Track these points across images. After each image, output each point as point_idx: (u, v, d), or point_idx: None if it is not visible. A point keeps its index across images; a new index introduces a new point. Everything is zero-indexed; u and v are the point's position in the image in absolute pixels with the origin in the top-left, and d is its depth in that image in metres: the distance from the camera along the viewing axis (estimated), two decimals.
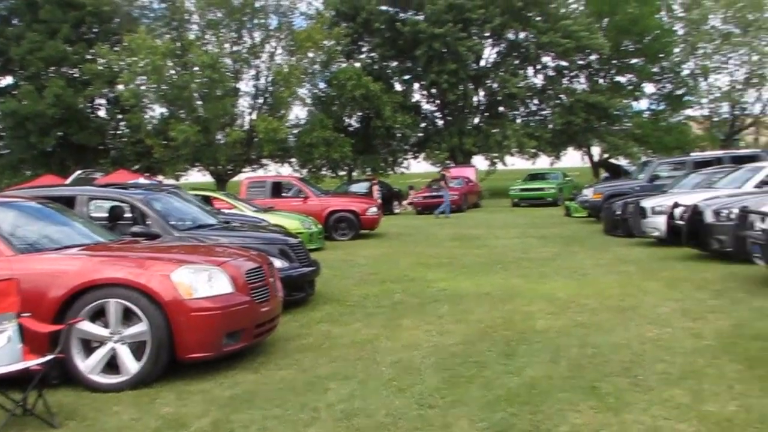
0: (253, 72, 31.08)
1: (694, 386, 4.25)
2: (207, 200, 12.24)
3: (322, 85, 33.08)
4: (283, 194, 17.00)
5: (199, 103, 28.49)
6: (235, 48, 30.50)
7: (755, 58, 36.64)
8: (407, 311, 6.89)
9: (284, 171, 32.40)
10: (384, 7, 34.16)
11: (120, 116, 31.75)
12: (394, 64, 35.96)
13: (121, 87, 28.79)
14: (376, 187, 25.34)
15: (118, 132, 33.11)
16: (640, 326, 5.84)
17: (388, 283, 8.62)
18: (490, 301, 7.30)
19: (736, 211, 8.77)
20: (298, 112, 37.27)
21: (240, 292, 4.83)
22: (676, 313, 6.35)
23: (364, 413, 3.87)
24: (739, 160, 16.52)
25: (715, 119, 39.28)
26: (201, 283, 4.65)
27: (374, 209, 15.81)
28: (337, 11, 33.07)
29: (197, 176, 34.29)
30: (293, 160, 32.84)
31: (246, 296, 4.88)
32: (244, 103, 31.47)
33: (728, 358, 4.83)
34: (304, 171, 31.93)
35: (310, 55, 30.61)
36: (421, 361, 4.98)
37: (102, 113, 33.04)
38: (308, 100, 33.17)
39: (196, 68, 27.44)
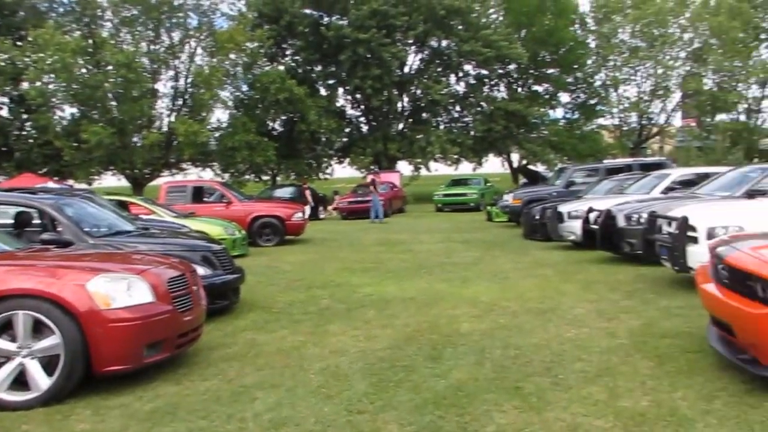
0: (171, 73, 30.32)
1: (609, 383, 4.42)
2: (123, 205, 11.78)
3: (244, 88, 32.62)
4: (205, 199, 16.60)
5: (114, 103, 27.40)
6: (152, 47, 29.56)
7: (660, 71, 38.32)
8: (334, 317, 6.87)
9: (206, 175, 31.69)
10: (308, 11, 34.08)
11: (25, 116, 29.65)
12: (319, 68, 35.90)
13: (26, 85, 27.22)
14: (308, 192, 25.26)
15: (23, 133, 30.73)
16: (559, 327, 6.05)
17: (315, 289, 8.58)
18: (415, 305, 7.37)
19: (645, 215, 9.09)
20: (219, 115, 36.70)
21: (161, 302, 4.68)
22: (591, 313, 6.60)
23: (292, 422, 3.84)
24: (647, 168, 17.29)
25: (625, 128, 40.92)
26: (119, 292, 4.47)
27: (300, 214, 15.67)
28: (260, 13, 32.69)
29: (111, 180, 32.92)
30: (215, 164, 32.12)
31: (168, 305, 4.72)
32: (162, 104, 30.62)
33: (640, 355, 5.05)
34: (227, 175, 31.32)
35: (232, 56, 30.09)
36: (349, 367, 4.99)
37: (4, 113, 30.85)
38: (230, 103, 32.62)
39: (110, 67, 26.42)
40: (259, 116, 31.53)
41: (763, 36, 36.96)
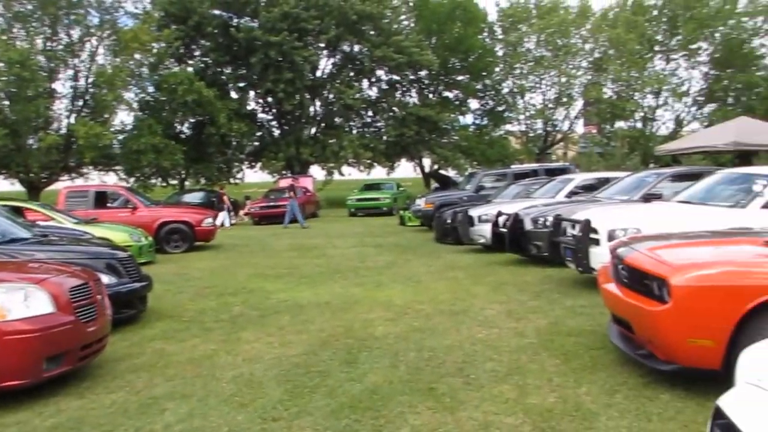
0: (71, 72, 28.75)
1: (519, 381, 4.57)
2: (18, 211, 11.11)
3: (150, 89, 31.34)
4: (109, 205, 15.89)
5: (6, 103, 25.68)
6: (49, 45, 27.96)
7: (564, 79, 39.50)
8: (247, 324, 6.77)
9: (109, 180, 30.32)
10: (217, 12, 33.26)
11: None
12: (229, 70, 35.02)
13: None
14: (226, 197, 24.74)
15: None
16: (471, 328, 6.18)
17: (226, 296, 8.42)
18: (330, 310, 7.37)
19: (550, 219, 9.40)
20: (124, 117, 35.12)
21: (62, 312, 4.47)
22: (501, 314, 6.77)
23: None
24: (552, 173, 17.91)
25: (531, 134, 41.87)
26: (16, 303, 4.24)
27: (210, 220, 15.29)
28: (167, 12, 31.59)
29: (4, 185, 30.99)
30: (119, 168, 30.77)
31: (70, 316, 4.52)
32: (61, 105, 28.94)
33: (547, 353, 5.24)
34: (132, 180, 30.07)
35: (137, 56, 28.95)
36: (263, 374, 4.94)
37: None
38: (135, 105, 31.24)
39: (1, 65, 24.82)
40: (166, 118, 30.40)
41: (656, 48, 39.11)
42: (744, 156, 17.03)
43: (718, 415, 2.34)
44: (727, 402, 2.36)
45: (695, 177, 9.55)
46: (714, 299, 4.04)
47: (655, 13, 39.14)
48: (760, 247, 4.66)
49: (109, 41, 28.79)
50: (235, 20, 33.81)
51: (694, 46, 38.56)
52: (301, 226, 21.28)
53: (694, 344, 4.09)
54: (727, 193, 7.97)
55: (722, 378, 3.58)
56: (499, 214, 11.85)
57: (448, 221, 14.58)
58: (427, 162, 41.53)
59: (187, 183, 33.18)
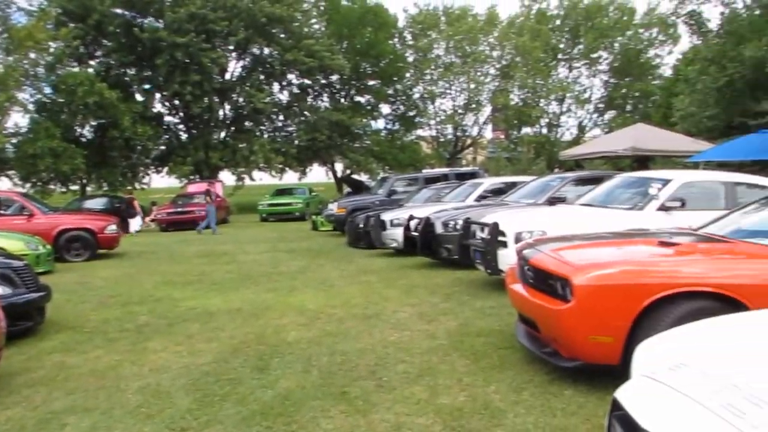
0: None
1: (430, 382, 4.66)
2: None
3: (47, 90, 29.74)
4: (2, 212, 14.94)
5: None
6: None
7: (473, 86, 40.25)
8: (154, 333, 6.58)
9: (2, 185, 28.48)
10: (119, 10, 31.97)
11: None
12: (133, 71, 33.71)
13: None
14: (136, 202, 23.95)
15: None
16: (383, 331, 6.25)
17: (132, 305, 8.12)
18: (241, 316, 7.29)
19: (460, 222, 9.51)
20: (18, 119, 33.08)
21: None
22: (413, 317, 6.88)
23: None
24: (462, 177, 18.18)
25: (442, 139, 42.60)
26: None
27: (113, 227, 14.65)
28: (64, 10, 30.05)
29: None
30: (13, 172, 29.00)
31: None
32: None
33: (457, 354, 5.36)
34: (28, 185, 28.38)
35: (32, 55, 27.39)
36: (171, 384, 4.84)
37: None
38: (31, 106, 29.55)
39: None
40: (65, 121, 28.87)
41: (560, 56, 40.59)
42: (641, 161, 17.61)
43: (616, 407, 2.42)
44: (623, 394, 2.44)
45: (596, 181, 9.78)
46: (613, 298, 4.17)
47: (558, 22, 40.52)
48: (656, 247, 4.88)
49: (0, 39, 27.11)
50: (139, 20, 32.62)
51: (595, 55, 40.41)
52: (212, 232, 20.91)
53: (595, 341, 4.23)
54: (625, 196, 8.23)
55: (620, 372, 3.72)
56: (411, 218, 11.94)
57: (361, 225, 14.53)
58: (339, 166, 41.56)
59: (89, 189, 31.70)
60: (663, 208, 7.40)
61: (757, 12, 13.41)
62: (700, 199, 7.58)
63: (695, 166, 15.09)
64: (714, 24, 13.74)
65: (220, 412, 4.21)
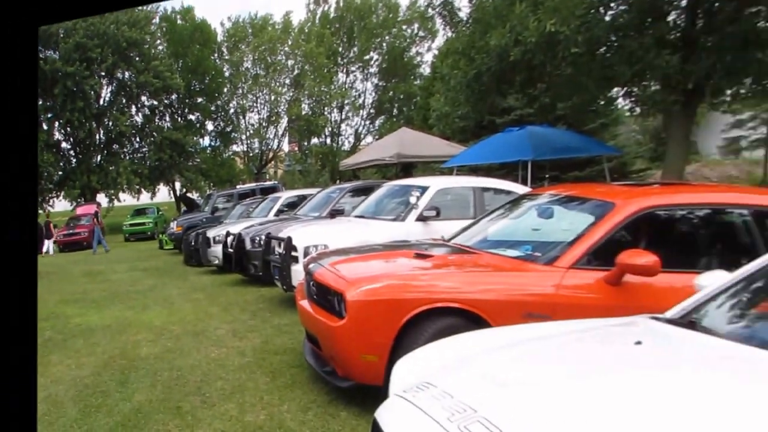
0: None
1: (240, 399, 4.58)
2: None
3: None
4: None
5: None
6: None
7: (273, 97, 38.28)
8: (55, 347, 6.78)
9: None
10: None
11: None
12: (40, 102, 31.52)
13: None
14: (51, 225, 23.97)
15: None
16: (207, 348, 6.25)
17: (40, 321, 7.88)
18: (111, 332, 7.39)
19: (263, 237, 8.87)
20: None
21: None
22: (229, 334, 6.82)
23: None
24: (266, 191, 17.90)
25: (251, 154, 40.28)
26: None
27: None
28: None
29: None
30: None
31: None
32: None
33: (261, 372, 5.21)
34: None
35: None
36: (65, 394, 5.02)
37: None
38: None
39: None
40: None
41: (339, 61, 38.69)
42: (406, 167, 16.64)
43: (376, 427, 2.24)
44: (380, 414, 2.27)
45: (369, 191, 9.26)
46: (378, 313, 3.71)
47: (337, 25, 38.30)
48: (413, 260, 4.37)
49: None
50: (42, 51, 30.40)
51: (367, 57, 38.32)
52: (93, 252, 20.91)
53: (365, 360, 3.77)
54: (391, 207, 7.76)
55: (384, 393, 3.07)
56: (228, 234, 11.32)
57: (193, 243, 14.21)
58: (178, 185, 40.00)
59: None
60: (421, 218, 7.03)
61: None
62: (453, 207, 7.20)
63: (450, 171, 13.88)
64: (465, 13, 12.28)
65: (95, 422, 4.38)
